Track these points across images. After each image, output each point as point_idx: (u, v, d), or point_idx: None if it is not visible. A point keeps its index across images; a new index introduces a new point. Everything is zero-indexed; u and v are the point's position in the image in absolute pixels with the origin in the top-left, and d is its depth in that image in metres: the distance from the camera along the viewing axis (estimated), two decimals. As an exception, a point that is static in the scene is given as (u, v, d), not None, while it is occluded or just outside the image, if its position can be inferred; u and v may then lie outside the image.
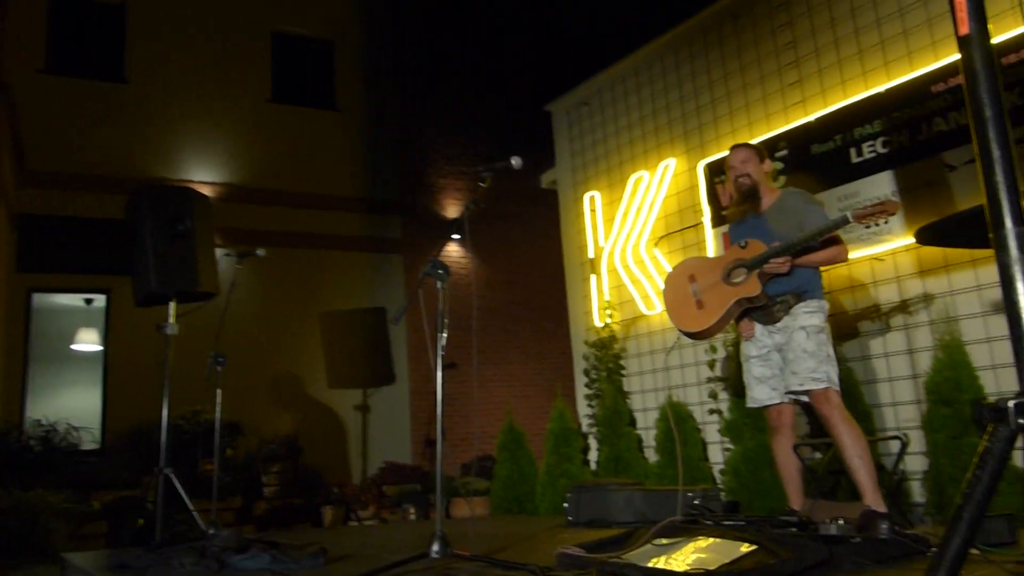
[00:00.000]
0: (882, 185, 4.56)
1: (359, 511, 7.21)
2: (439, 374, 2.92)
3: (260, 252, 4.39)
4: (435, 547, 2.79)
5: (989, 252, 3.91)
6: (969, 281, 4.21)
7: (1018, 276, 1.12)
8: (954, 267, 4.27)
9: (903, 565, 2.48)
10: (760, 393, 3.48)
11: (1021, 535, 2.96)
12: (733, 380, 4.91)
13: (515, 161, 3.02)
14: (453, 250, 9.35)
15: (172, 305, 4.25)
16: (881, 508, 3.01)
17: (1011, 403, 1.05)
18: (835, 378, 3.26)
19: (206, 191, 7.14)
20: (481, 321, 9.26)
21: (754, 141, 5.25)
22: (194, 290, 4.18)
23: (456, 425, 8.71)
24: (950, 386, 3.90)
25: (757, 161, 3.59)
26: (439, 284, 2.90)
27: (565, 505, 4.64)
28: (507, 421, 6.13)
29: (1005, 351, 4.02)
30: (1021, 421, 1.04)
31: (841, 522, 2.59)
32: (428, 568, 2.84)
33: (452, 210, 9.51)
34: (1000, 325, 4.07)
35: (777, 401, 3.43)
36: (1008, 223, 1.14)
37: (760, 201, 3.54)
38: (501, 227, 9.64)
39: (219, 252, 4.65)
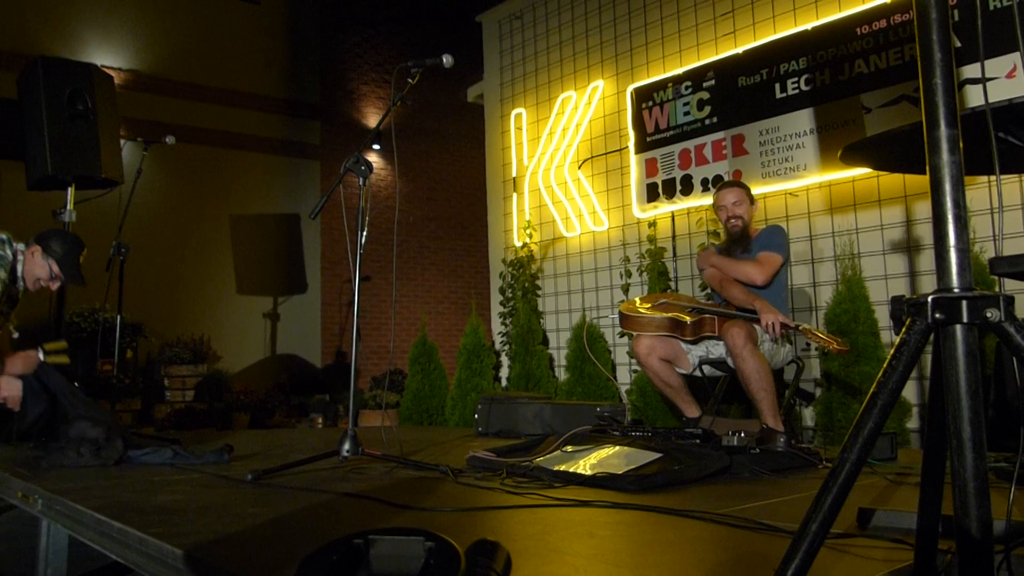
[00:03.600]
0: (802, 121, 4.63)
1: (266, 419, 7.12)
2: (357, 273, 2.85)
3: (169, 139, 4.15)
4: (346, 446, 2.78)
5: (896, 192, 4.03)
6: (873, 220, 4.37)
7: (946, 177, 1.13)
8: (861, 206, 4.42)
9: (797, 475, 2.61)
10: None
11: (900, 452, 3.17)
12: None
13: (446, 59, 2.92)
14: (374, 160, 9.09)
15: (70, 191, 3.99)
16: (779, 427, 3.15)
17: (930, 298, 1.07)
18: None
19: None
20: (399, 236, 9.13)
21: (683, 69, 5.25)
22: (96, 176, 3.93)
23: (368, 338, 8.64)
24: (848, 318, 4.07)
25: (748, 203, 3.64)
26: (361, 181, 2.80)
27: (475, 416, 4.70)
28: (420, 335, 6.12)
29: (899, 288, 4.22)
30: (938, 315, 1.07)
31: (742, 435, 2.68)
32: (338, 466, 2.84)
33: (375, 119, 9.22)
34: (897, 263, 4.26)
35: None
36: (942, 126, 1.15)
37: (750, 244, 3.61)
38: (424, 141, 9.44)
39: (123, 142, 4.37)
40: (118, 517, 1.88)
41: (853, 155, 1.79)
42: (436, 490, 2.41)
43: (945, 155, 1.15)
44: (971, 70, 3.95)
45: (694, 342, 3.58)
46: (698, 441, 2.77)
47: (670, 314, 3.54)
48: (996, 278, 3.82)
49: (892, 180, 4.28)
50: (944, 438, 1.18)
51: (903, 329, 1.11)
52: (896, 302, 1.15)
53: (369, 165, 2.83)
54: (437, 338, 6.90)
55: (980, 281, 3.71)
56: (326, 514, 2.03)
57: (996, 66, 3.86)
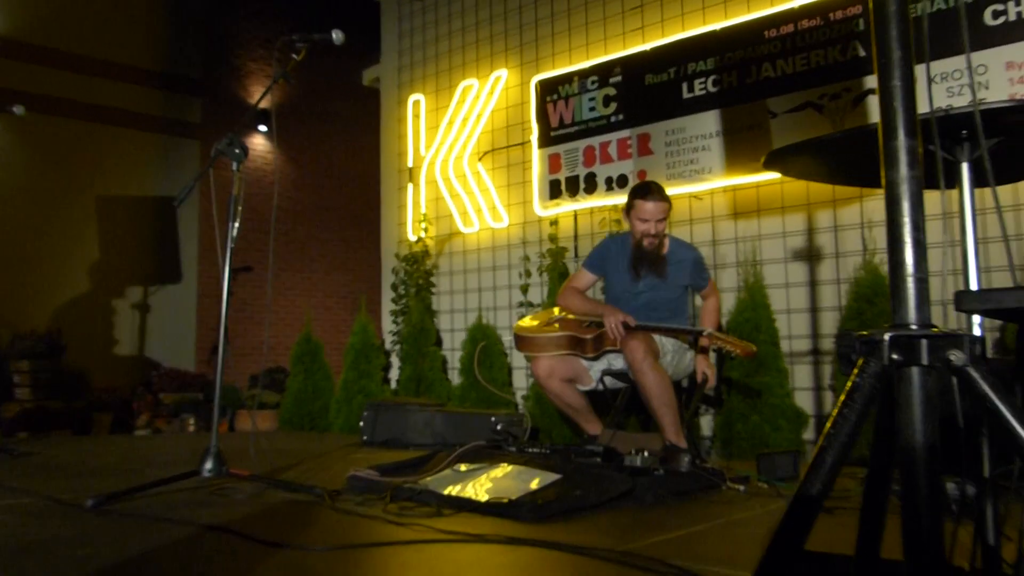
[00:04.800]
0: (708, 123, 4.59)
1: (131, 420, 6.61)
2: (227, 266, 2.56)
3: (17, 110, 3.69)
4: (207, 465, 2.52)
5: (799, 200, 4.01)
6: (776, 227, 4.37)
7: (904, 195, 0.99)
8: (765, 212, 4.42)
9: (702, 498, 2.52)
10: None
11: (803, 469, 3.12)
12: (548, 306, 4.85)
13: (336, 35, 2.66)
14: (259, 143, 8.64)
15: None
16: (682, 444, 3.09)
17: (886, 335, 0.92)
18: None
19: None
20: (284, 225, 8.72)
21: (589, 63, 5.14)
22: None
23: (248, 332, 8.22)
24: (750, 326, 4.05)
25: (667, 217, 3.44)
26: (235, 165, 2.52)
27: (360, 423, 4.51)
28: (304, 331, 5.89)
29: (800, 297, 4.25)
30: (895, 356, 0.92)
31: (645, 454, 2.57)
32: (198, 488, 2.55)
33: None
34: (798, 272, 4.28)
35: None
36: (900, 135, 1.00)
37: (665, 266, 3.45)
38: (315, 125, 9.05)
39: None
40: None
41: (776, 162, 1.66)
42: (310, 519, 2.17)
43: (903, 169, 1.01)
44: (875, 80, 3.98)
45: (595, 357, 3.47)
46: (599, 460, 2.66)
47: (568, 332, 3.41)
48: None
49: (796, 187, 4.29)
50: (884, 488, 1.04)
51: (854, 371, 0.97)
52: (845, 339, 1.00)
53: (244, 148, 2.55)
54: (324, 334, 6.63)
55: (879, 292, 3.75)
56: (179, 557, 1.75)
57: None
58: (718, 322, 3.56)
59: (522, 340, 3.48)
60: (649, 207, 3.38)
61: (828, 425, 0.94)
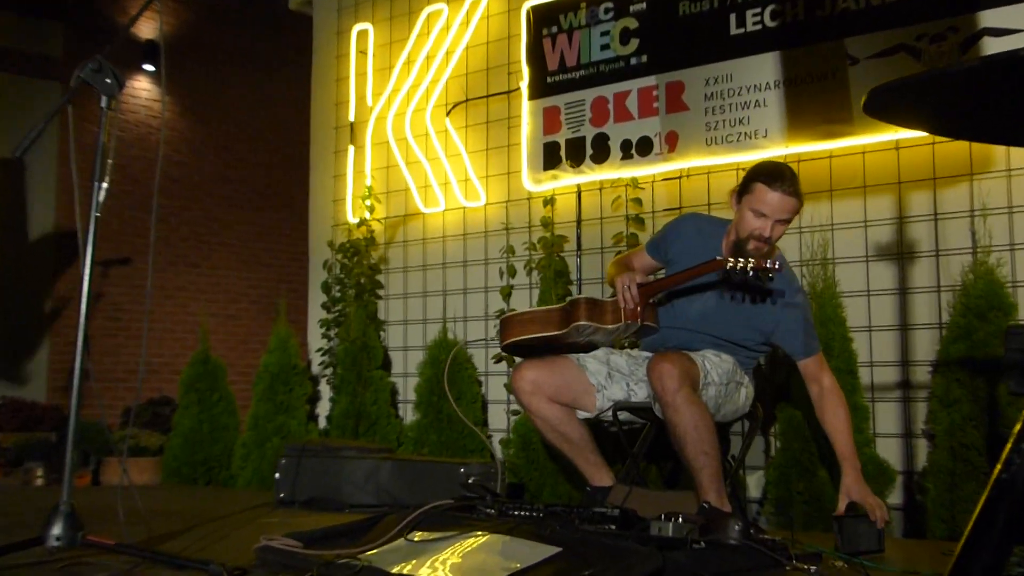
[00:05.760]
0: (764, 70, 4.57)
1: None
2: (88, 252, 2.46)
3: None
4: (55, 530, 2.47)
5: (886, 175, 3.98)
6: (855, 213, 4.37)
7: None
8: (840, 192, 4.42)
9: (758, 582, 2.51)
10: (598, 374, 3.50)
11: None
12: None
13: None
14: (142, 88, 8.58)
15: None
16: (726, 507, 3.06)
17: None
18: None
19: None
20: (175, 202, 8.60)
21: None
22: None
23: (124, 349, 8.13)
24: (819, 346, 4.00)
25: (791, 221, 3.36)
26: (104, 100, 2.44)
27: (276, 475, 4.52)
28: (200, 348, 5.89)
29: (886, 309, 4.23)
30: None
31: (679, 520, 2.55)
32: (40, 563, 2.53)
33: (146, 28, 8.66)
34: (883, 275, 4.25)
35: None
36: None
37: (769, 291, 3.36)
38: (222, 66, 8.99)
39: None
40: None
41: (888, 102, 1.59)
42: (201, 609, 2.09)
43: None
44: (994, 16, 3.97)
45: (608, 375, 3.49)
46: (614, 527, 2.64)
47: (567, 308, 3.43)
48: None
49: (882, 159, 4.29)
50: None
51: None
52: (1017, 336, 0.90)
53: (118, 78, 2.49)
54: (227, 354, 6.65)
55: (996, 305, 3.73)
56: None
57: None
58: (851, 446, 3.33)
59: (508, 325, 3.50)
60: (774, 199, 3.24)
61: (998, 468, 0.84)
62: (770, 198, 3.24)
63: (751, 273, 3.02)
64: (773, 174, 3.31)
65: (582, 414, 3.48)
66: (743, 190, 3.36)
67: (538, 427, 3.50)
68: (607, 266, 3.83)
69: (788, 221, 3.32)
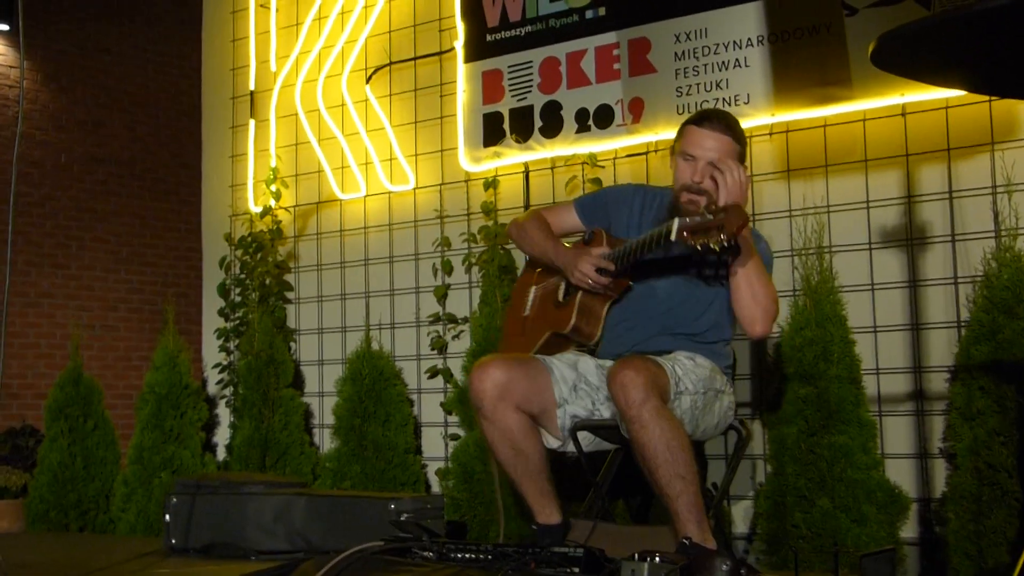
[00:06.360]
0: (745, 23, 4.63)
1: None
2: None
3: None
4: None
5: (892, 146, 4.03)
6: (855, 191, 4.41)
7: None
8: (837, 168, 4.47)
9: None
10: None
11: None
12: (482, 323, 4.88)
13: None
14: (-3, 50, 8.46)
15: None
16: (710, 543, 3.04)
17: None
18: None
19: None
20: (36, 189, 8.46)
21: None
22: None
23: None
24: (814, 353, 4.06)
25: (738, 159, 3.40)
26: None
27: (166, 518, 4.48)
28: (70, 366, 5.92)
29: (893, 305, 4.28)
30: None
31: (656, 560, 2.52)
32: None
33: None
34: (890, 265, 4.29)
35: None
36: None
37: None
38: (91, 23, 8.84)
39: None
40: None
41: (904, 51, 1.60)
42: None
43: None
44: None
45: (574, 387, 3.47)
46: (577, 570, 2.66)
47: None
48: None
49: (886, 127, 4.33)
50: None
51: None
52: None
53: None
54: (103, 372, 6.62)
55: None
56: None
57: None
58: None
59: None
60: (701, 135, 3.40)
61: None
62: (697, 135, 3.41)
63: (729, 242, 3.03)
64: (702, 114, 3.58)
65: (548, 441, 3.46)
66: (675, 142, 3.54)
67: (491, 441, 3.46)
68: (517, 221, 3.88)
69: (731, 169, 3.35)
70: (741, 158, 3.44)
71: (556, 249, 3.62)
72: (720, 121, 3.46)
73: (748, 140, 4.35)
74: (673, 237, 3.08)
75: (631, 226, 3.60)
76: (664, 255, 3.40)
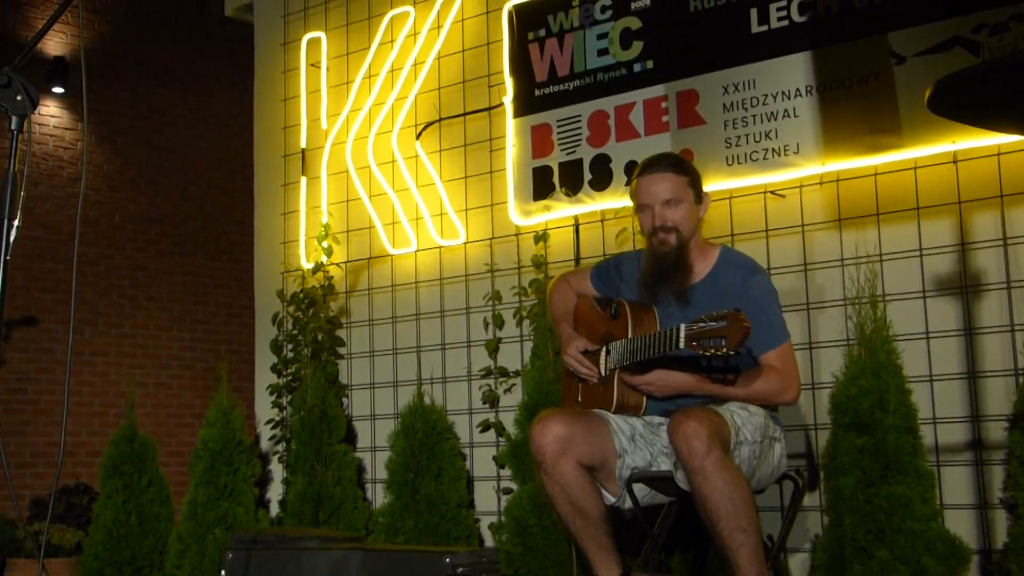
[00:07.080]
0: (794, 74, 4.62)
1: None
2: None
3: None
4: None
5: (944, 194, 4.02)
6: (908, 240, 4.38)
7: None
8: (890, 216, 4.43)
9: None
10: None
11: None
12: (535, 376, 4.86)
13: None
14: (50, 115, 8.56)
15: None
16: None
17: None
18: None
19: None
20: (91, 249, 8.57)
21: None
22: None
23: (31, 428, 8.04)
24: (869, 402, 4.02)
25: (690, 201, 3.56)
26: (12, 121, 2.44)
27: (222, 573, 4.42)
28: (125, 424, 5.79)
29: (950, 354, 4.22)
30: None
31: None
32: None
33: (54, 43, 8.69)
34: (945, 313, 4.25)
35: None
36: None
37: (690, 272, 3.56)
38: (145, 86, 8.99)
39: None
40: None
41: (961, 96, 1.60)
42: None
43: None
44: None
45: (632, 438, 3.49)
46: None
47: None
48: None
49: (938, 175, 4.31)
50: None
51: None
52: None
53: (31, 94, 2.48)
54: (156, 430, 6.67)
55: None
56: None
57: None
58: (751, 398, 3.49)
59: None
60: (647, 182, 3.58)
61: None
62: (644, 184, 3.59)
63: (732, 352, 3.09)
64: (644, 163, 3.72)
65: (607, 497, 3.47)
66: (633, 198, 3.73)
67: (552, 495, 3.45)
68: (557, 282, 4.12)
69: (680, 202, 3.54)
70: (694, 187, 3.60)
71: (558, 328, 3.94)
72: (662, 162, 3.64)
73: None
74: (682, 344, 3.13)
75: (626, 296, 3.77)
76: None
